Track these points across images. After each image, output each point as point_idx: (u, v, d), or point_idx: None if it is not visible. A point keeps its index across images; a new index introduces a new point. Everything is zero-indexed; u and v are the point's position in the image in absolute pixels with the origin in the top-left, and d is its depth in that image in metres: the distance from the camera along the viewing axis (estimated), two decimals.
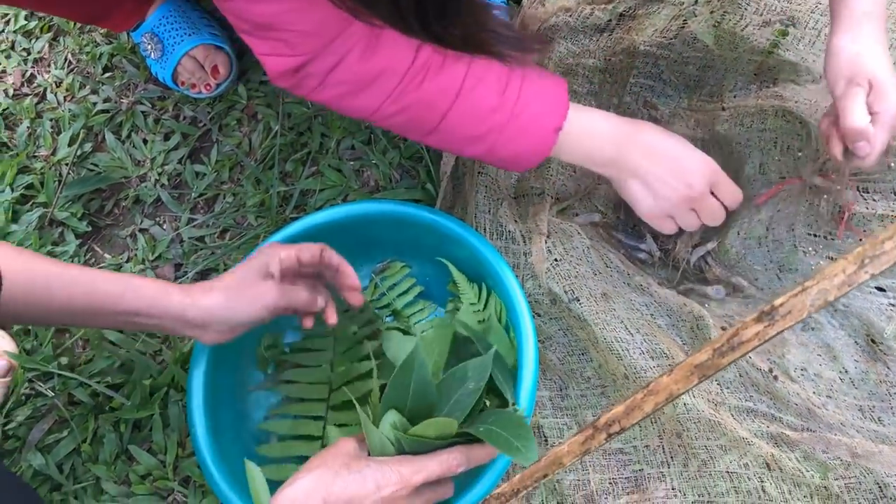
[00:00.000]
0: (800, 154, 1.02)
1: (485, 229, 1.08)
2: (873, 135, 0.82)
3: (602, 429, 0.53)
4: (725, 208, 0.96)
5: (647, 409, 0.50)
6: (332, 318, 0.92)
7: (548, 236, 1.05)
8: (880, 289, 0.97)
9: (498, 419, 0.71)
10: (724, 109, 1.09)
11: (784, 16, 1.06)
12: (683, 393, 0.47)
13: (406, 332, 1.06)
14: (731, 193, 0.96)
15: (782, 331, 0.42)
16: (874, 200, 0.99)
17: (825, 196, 1.01)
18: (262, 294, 0.86)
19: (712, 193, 0.95)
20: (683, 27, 1.10)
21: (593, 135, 0.91)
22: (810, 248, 1.02)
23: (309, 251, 0.89)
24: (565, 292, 0.99)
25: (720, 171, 0.94)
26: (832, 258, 1.01)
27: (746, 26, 1.06)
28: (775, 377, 0.90)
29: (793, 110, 1.01)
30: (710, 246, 1.07)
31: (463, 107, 0.85)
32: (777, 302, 0.41)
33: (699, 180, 0.92)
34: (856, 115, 0.81)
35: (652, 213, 0.95)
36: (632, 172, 0.93)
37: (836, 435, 0.89)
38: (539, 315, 1.02)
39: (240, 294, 0.85)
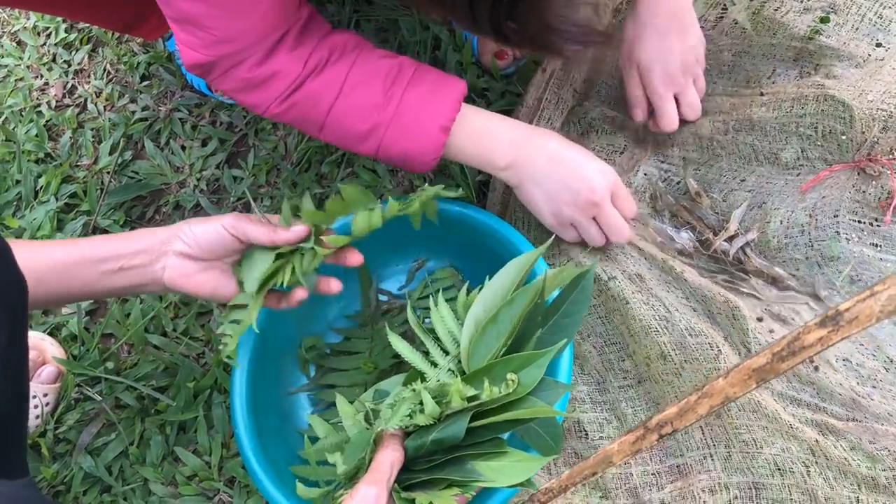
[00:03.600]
0: (843, 137, 1.00)
1: (524, 222, 1.08)
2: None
3: (654, 429, 0.51)
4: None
5: (702, 411, 0.48)
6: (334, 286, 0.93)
7: None
8: None
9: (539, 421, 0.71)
10: (762, 94, 1.07)
11: (826, 2, 1.04)
12: (740, 397, 0.46)
13: None
14: (630, 205, 0.98)
15: (846, 337, 0.40)
16: None
17: (873, 181, 0.99)
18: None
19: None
20: (722, 17, 1.09)
21: (488, 137, 0.92)
22: (854, 236, 1.00)
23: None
24: (603, 271, 0.99)
25: (620, 181, 0.96)
26: (877, 245, 0.99)
27: (787, 13, 1.05)
28: (816, 367, 0.89)
29: (835, 95, 0.99)
30: (750, 237, 1.05)
31: (345, 104, 0.88)
32: (843, 306, 0.39)
33: (600, 186, 0.93)
34: None
35: (554, 219, 0.97)
36: (531, 177, 0.94)
37: (883, 425, 0.87)
38: None
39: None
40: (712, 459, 0.93)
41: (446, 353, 0.79)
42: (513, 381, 0.67)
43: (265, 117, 0.93)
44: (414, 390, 0.74)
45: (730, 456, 0.92)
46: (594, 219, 0.96)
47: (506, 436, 0.72)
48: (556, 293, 0.80)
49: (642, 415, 0.98)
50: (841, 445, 0.88)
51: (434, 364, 0.78)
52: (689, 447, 0.94)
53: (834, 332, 0.40)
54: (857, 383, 0.91)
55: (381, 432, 0.72)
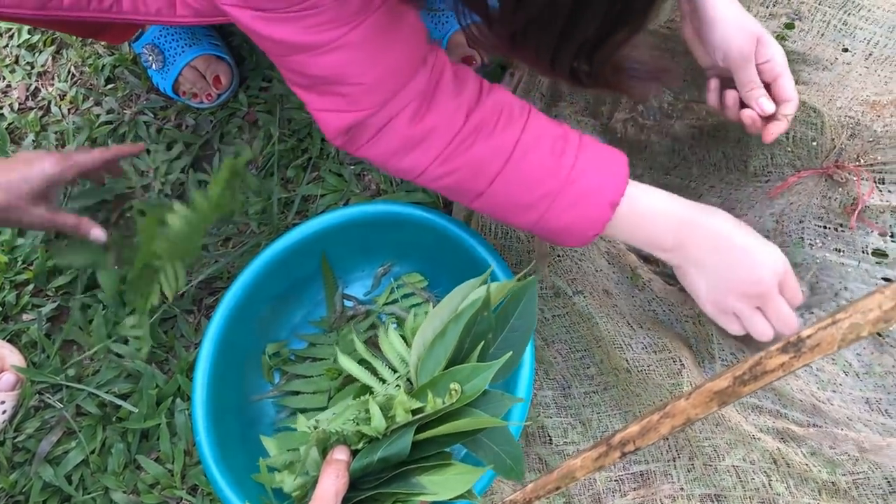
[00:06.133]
0: (813, 143, 1.00)
1: (490, 229, 1.08)
2: (783, 77, 0.90)
3: (616, 447, 0.51)
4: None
5: (663, 431, 0.48)
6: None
7: None
8: (886, 279, 0.95)
9: (490, 433, 0.70)
10: None
11: (790, 9, 1.05)
12: (702, 418, 0.46)
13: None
14: (797, 295, 0.87)
15: (808, 363, 0.40)
16: (889, 192, 0.97)
17: (840, 188, 0.99)
18: (31, 216, 0.93)
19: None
20: None
21: (654, 217, 0.84)
22: (818, 241, 1.00)
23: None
24: (569, 285, 0.99)
25: (790, 268, 0.86)
26: (839, 251, 0.99)
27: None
28: None
29: (806, 101, 1.00)
30: None
31: (514, 171, 0.81)
32: (804, 333, 0.39)
33: (768, 276, 0.83)
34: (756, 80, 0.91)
35: (715, 307, 0.87)
36: (694, 262, 0.85)
37: (842, 430, 0.88)
38: (541, 311, 1.01)
39: (13, 205, 0.93)
40: (675, 469, 0.93)
41: (396, 372, 0.78)
42: (455, 390, 0.66)
43: (421, 185, 0.85)
44: (360, 400, 0.73)
45: (693, 466, 0.92)
46: (759, 308, 0.86)
47: (462, 454, 0.71)
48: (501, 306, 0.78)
49: (607, 421, 0.97)
50: (802, 452, 0.88)
51: (383, 381, 0.78)
52: (653, 455, 0.94)
53: (796, 359, 0.40)
54: (818, 388, 0.91)
55: (330, 447, 0.71)
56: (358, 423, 0.70)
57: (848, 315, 0.37)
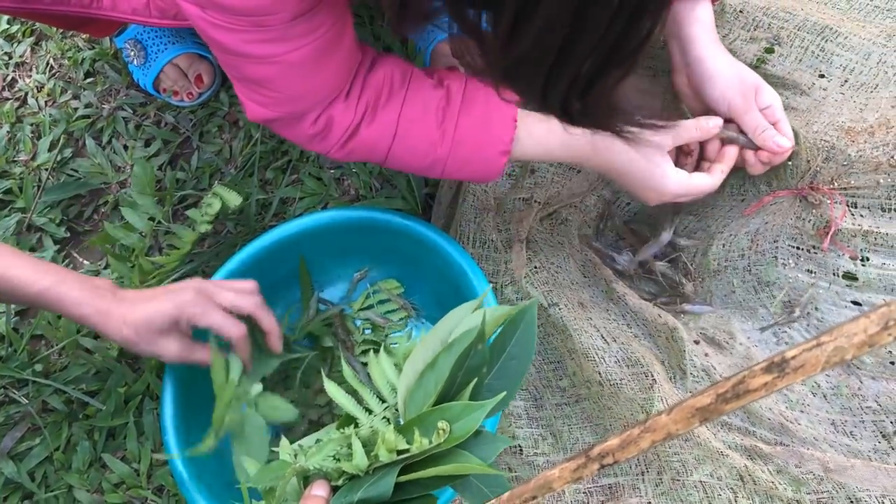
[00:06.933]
0: (789, 163, 1.01)
1: (468, 237, 1.08)
2: (782, 122, 0.96)
3: (595, 459, 0.51)
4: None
5: (644, 445, 0.48)
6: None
7: (527, 243, 1.04)
8: (856, 303, 0.96)
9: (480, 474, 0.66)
10: None
11: (770, 33, 1.07)
12: (682, 433, 0.46)
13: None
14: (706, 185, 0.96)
15: (791, 384, 0.40)
16: (861, 216, 0.98)
17: (814, 209, 1.01)
18: (163, 349, 0.89)
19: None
20: None
21: (548, 145, 0.92)
22: (790, 261, 1.02)
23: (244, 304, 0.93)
24: (544, 297, 0.99)
25: (683, 187, 0.94)
26: (811, 272, 1.00)
27: (734, 41, 1.07)
28: None
29: None
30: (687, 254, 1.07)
31: (401, 146, 0.89)
32: (789, 354, 0.39)
33: (666, 189, 0.94)
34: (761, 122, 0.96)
35: (656, 202, 0.98)
36: (603, 174, 0.99)
37: (808, 449, 0.89)
38: None
39: (143, 339, 0.88)
40: (643, 482, 0.93)
41: (384, 402, 0.74)
42: (444, 430, 0.62)
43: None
44: (343, 432, 0.70)
45: (661, 480, 0.92)
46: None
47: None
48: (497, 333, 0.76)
49: (578, 433, 0.98)
50: (768, 469, 0.89)
51: (370, 411, 0.73)
52: (622, 469, 0.94)
53: (779, 379, 0.40)
54: (786, 407, 0.92)
55: (311, 478, 0.69)
56: (339, 459, 0.67)
57: (833, 338, 0.37)
